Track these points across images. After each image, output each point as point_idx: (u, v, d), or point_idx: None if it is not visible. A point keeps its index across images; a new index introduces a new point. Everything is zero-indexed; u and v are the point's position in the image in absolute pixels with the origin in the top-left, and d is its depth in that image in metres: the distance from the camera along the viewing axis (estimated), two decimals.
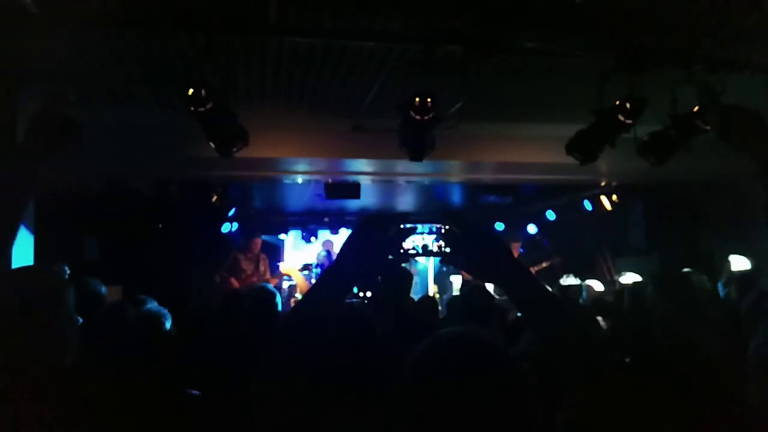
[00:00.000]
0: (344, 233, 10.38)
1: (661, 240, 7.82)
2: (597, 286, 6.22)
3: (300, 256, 10.35)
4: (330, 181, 7.34)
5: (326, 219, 10.59)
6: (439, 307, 9.31)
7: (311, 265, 9.29)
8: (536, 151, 6.26)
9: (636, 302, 4.74)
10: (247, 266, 8.36)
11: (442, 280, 10.04)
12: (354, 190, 7.43)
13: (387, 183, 8.02)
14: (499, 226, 10.46)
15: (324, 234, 10.62)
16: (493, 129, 6.07)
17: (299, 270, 9.05)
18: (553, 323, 1.27)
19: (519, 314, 3.97)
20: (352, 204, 9.01)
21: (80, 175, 6.53)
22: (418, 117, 4.09)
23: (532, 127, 6.05)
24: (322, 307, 1.31)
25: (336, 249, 9.49)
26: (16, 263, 4.31)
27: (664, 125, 4.63)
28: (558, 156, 5.02)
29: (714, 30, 3.90)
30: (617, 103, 4.29)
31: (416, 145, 4.64)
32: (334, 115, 5.59)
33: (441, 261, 1.47)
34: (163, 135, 5.46)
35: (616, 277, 7.04)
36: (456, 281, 9.20)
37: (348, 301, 3.03)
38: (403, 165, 6.36)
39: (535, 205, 9.74)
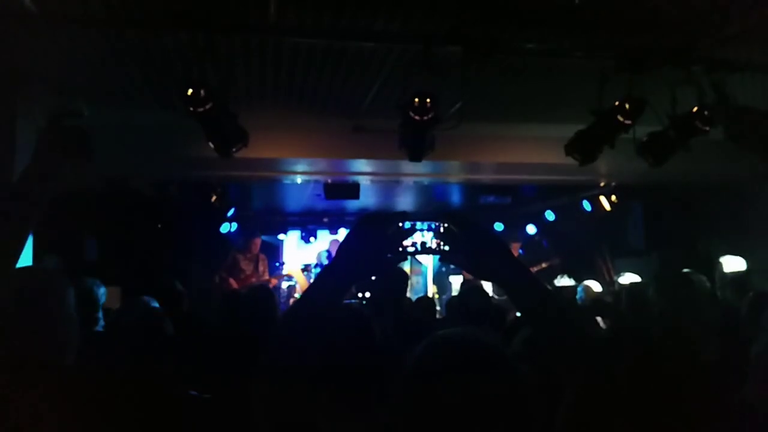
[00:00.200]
0: (343, 234, 10.37)
1: (661, 240, 7.82)
2: (596, 286, 6.22)
3: (303, 256, 10.34)
4: (329, 181, 7.34)
5: (325, 219, 10.59)
6: (438, 308, 9.35)
7: (311, 265, 9.30)
8: (535, 152, 6.26)
9: (634, 302, 4.74)
10: (246, 266, 8.36)
11: (441, 280, 10.04)
12: (353, 190, 7.42)
13: (386, 183, 8.02)
14: (499, 226, 10.45)
15: (323, 234, 10.62)
16: (492, 129, 6.07)
17: (300, 270, 9.06)
18: (553, 322, 1.27)
19: (518, 314, 3.98)
20: (352, 204, 9.00)
21: (80, 175, 6.52)
22: (417, 117, 4.09)
23: (532, 128, 6.05)
24: (319, 307, 1.30)
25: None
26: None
27: (663, 126, 4.63)
28: (557, 156, 5.02)
29: (713, 30, 3.90)
30: (616, 103, 4.29)
31: (416, 145, 4.64)
32: (333, 116, 5.59)
33: (440, 259, 1.47)
34: (162, 135, 5.46)
35: (615, 278, 7.04)
36: (455, 282, 9.21)
37: (347, 302, 3.03)
38: (402, 165, 6.37)
39: (534, 206, 9.74)
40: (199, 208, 8.23)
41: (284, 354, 1.26)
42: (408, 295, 9.02)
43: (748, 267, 5.31)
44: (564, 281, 7.44)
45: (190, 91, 3.83)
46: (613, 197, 8.05)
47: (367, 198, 8.49)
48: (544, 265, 8.87)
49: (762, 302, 2.82)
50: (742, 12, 3.67)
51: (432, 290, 10.14)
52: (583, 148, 4.79)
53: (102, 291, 3.87)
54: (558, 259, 9.00)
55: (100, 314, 3.81)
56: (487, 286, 4.62)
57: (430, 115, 4.09)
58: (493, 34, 3.91)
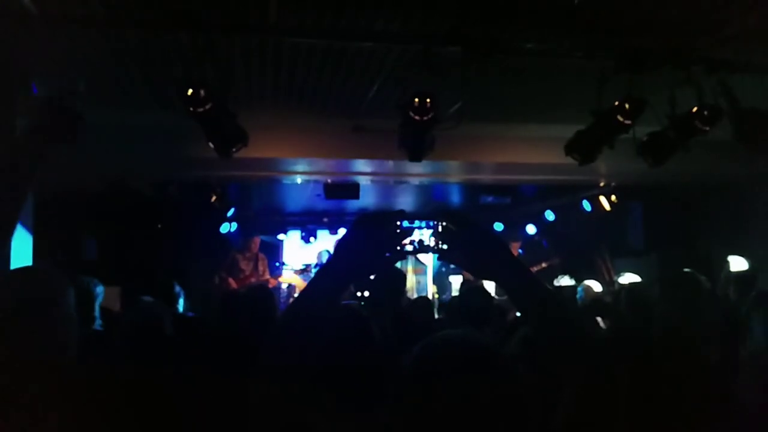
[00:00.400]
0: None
1: (660, 240, 7.82)
2: (596, 286, 6.22)
3: (302, 256, 10.35)
4: (329, 181, 7.34)
5: (325, 219, 10.60)
6: (436, 308, 9.35)
7: (311, 265, 9.31)
8: (535, 152, 6.26)
9: (634, 302, 4.74)
10: (246, 266, 8.36)
11: (441, 280, 10.04)
12: (353, 190, 7.43)
13: (386, 183, 8.02)
14: (498, 226, 10.45)
15: (323, 234, 10.63)
16: (492, 129, 6.07)
17: (299, 270, 9.06)
18: (553, 322, 1.27)
19: (518, 313, 3.98)
20: (352, 204, 9.01)
21: (80, 175, 6.53)
22: (417, 117, 4.09)
23: (532, 128, 6.05)
24: (317, 307, 1.30)
25: None
26: (15, 263, 4.33)
27: (662, 126, 4.63)
28: (557, 156, 5.02)
29: (713, 30, 3.90)
30: (616, 103, 4.29)
31: (416, 145, 4.64)
32: (333, 116, 5.59)
33: (438, 258, 1.47)
34: (162, 135, 5.46)
35: (615, 278, 7.04)
36: (455, 281, 9.20)
37: (345, 302, 3.03)
38: (402, 165, 6.37)
39: (534, 206, 9.74)
40: (198, 208, 8.24)
41: (282, 354, 1.26)
42: (415, 295, 9.07)
43: (751, 266, 5.31)
44: (564, 281, 7.44)
45: (190, 91, 3.83)
46: (613, 197, 8.06)
47: (367, 198, 8.50)
48: (543, 265, 8.87)
49: (762, 301, 2.82)
50: (742, 12, 3.67)
51: (432, 290, 10.14)
52: (582, 148, 4.79)
53: (99, 290, 3.87)
54: (558, 259, 9.00)
55: (97, 313, 3.81)
56: (489, 286, 4.61)
57: (429, 115, 4.09)
58: (492, 34, 3.91)
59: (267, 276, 8.53)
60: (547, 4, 3.59)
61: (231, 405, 2.02)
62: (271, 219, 10.57)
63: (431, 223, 1.38)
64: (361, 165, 6.63)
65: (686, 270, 5.10)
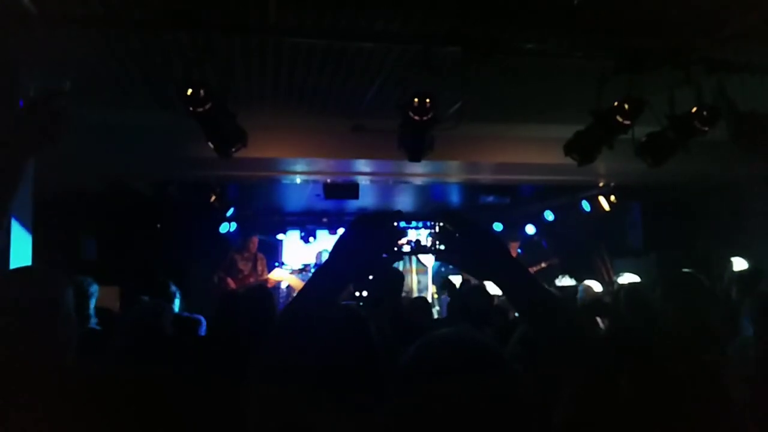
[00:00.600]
0: None
1: (659, 241, 7.83)
2: (595, 286, 6.22)
3: (304, 256, 10.35)
4: (329, 181, 7.34)
5: (325, 219, 10.60)
6: (436, 308, 9.34)
7: (310, 265, 9.30)
8: (535, 152, 6.27)
9: (633, 302, 4.74)
10: (244, 266, 8.35)
11: (440, 279, 10.04)
12: (352, 190, 7.43)
13: (386, 183, 8.02)
14: (498, 226, 10.45)
15: (323, 234, 10.63)
16: (492, 130, 6.08)
17: (297, 270, 9.05)
18: (551, 322, 1.26)
19: (516, 314, 3.98)
20: (351, 204, 9.01)
21: (79, 175, 6.53)
22: (417, 117, 4.10)
23: (531, 128, 6.06)
24: (315, 307, 1.30)
25: None
26: (14, 263, 4.33)
27: (662, 126, 4.64)
28: (556, 157, 5.02)
29: (712, 31, 3.91)
30: (615, 104, 4.30)
31: (415, 145, 4.64)
32: (333, 116, 5.59)
33: (436, 258, 1.47)
34: (162, 135, 5.46)
35: (614, 278, 7.04)
36: (455, 282, 9.19)
37: (344, 303, 3.03)
38: (402, 165, 6.38)
39: (533, 206, 9.75)
40: (198, 208, 8.23)
41: (280, 354, 1.26)
42: (420, 295, 9.07)
43: (752, 266, 5.31)
44: (565, 281, 7.44)
45: (189, 91, 3.83)
46: (612, 197, 8.07)
47: (367, 198, 8.50)
48: (543, 265, 8.87)
49: (761, 302, 2.82)
50: (741, 12, 3.68)
51: (432, 290, 10.14)
52: (582, 149, 4.80)
53: (94, 289, 3.88)
54: (557, 259, 9.00)
55: (92, 312, 3.82)
56: (490, 286, 4.61)
57: (429, 116, 4.10)
58: (492, 34, 3.91)
59: (266, 276, 8.52)
60: (547, 4, 3.60)
61: (229, 405, 2.02)
62: (271, 219, 10.57)
63: (429, 224, 1.38)
64: (361, 165, 6.63)
65: (686, 270, 5.11)
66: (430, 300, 9.47)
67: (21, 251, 4.48)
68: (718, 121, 4.40)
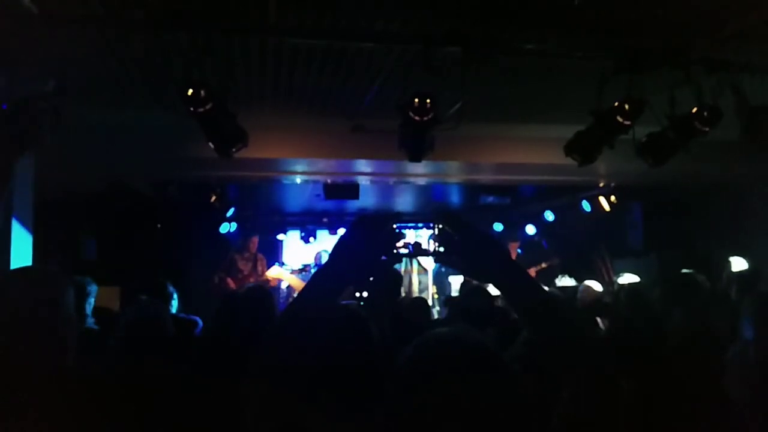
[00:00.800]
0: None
1: (660, 241, 7.83)
2: (595, 286, 6.22)
3: (304, 256, 10.35)
4: (329, 181, 7.34)
5: (325, 219, 10.60)
6: (436, 308, 9.34)
7: (309, 265, 9.30)
8: (535, 152, 6.27)
9: (633, 303, 4.73)
10: (244, 266, 8.35)
11: (440, 280, 10.04)
12: (353, 190, 7.43)
13: (386, 184, 8.02)
14: (498, 226, 10.45)
15: (323, 234, 10.63)
16: (492, 130, 6.08)
17: (297, 270, 9.05)
18: (550, 324, 1.26)
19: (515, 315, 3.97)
20: (351, 204, 9.01)
21: (79, 176, 6.53)
22: (417, 118, 4.09)
23: (531, 128, 6.06)
24: (314, 308, 1.30)
25: None
26: (15, 264, 4.33)
27: (662, 126, 4.64)
28: (557, 157, 5.02)
29: (712, 31, 3.90)
30: (616, 104, 4.30)
31: (415, 145, 4.64)
32: (333, 116, 5.59)
33: (435, 261, 1.47)
34: (162, 135, 5.46)
35: (614, 278, 7.04)
36: (455, 282, 9.20)
37: (344, 302, 3.02)
38: (402, 166, 6.37)
39: (533, 206, 9.74)
40: (198, 209, 8.23)
41: (280, 354, 1.26)
42: (420, 295, 9.06)
43: (751, 266, 5.31)
44: (565, 281, 7.44)
45: (190, 91, 3.83)
46: (613, 198, 8.07)
47: (367, 198, 8.50)
48: (543, 265, 8.87)
49: (761, 303, 2.82)
50: (741, 12, 3.68)
51: (432, 290, 10.14)
52: (582, 149, 4.80)
53: (92, 289, 3.88)
54: (557, 259, 9.00)
55: (89, 311, 3.82)
56: (492, 287, 4.61)
57: (429, 116, 4.10)
58: (492, 34, 3.91)
59: (266, 276, 8.52)
60: (547, 4, 3.60)
61: (229, 405, 2.02)
62: (271, 219, 10.57)
63: (428, 226, 1.38)
64: (361, 165, 6.63)
65: (686, 271, 5.11)
66: (430, 300, 9.47)
67: (21, 251, 4.49)
68: (719, 121, 4.40)
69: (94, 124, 5.26)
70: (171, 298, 4.58)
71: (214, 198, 7.60)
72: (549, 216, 9.55)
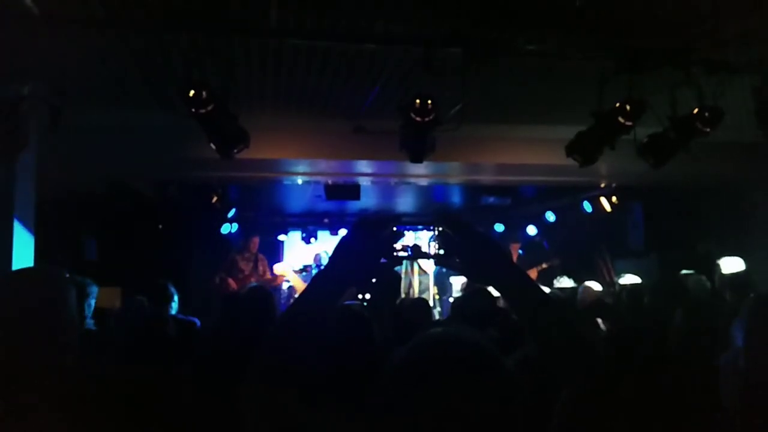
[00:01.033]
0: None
1: (661, 241, 7.82)
2: (595, 287, 6.22)
3: (305, 257, 10.35)
4: (330, 182, 7.34)
5: (326, 220, 10.60)
6: (437, 309, 9.34)
7: (310, 266, 9.30)
8: (536, 153, 6.27)
9: (634, 304, 4.74)
10: (245, 267, 8.35)
11: (441, 281, 10.04)
12: (354, 191, 7.43)
13: (387, 184, 8.02)
14: (499, 227, 10.45)
15: (324, 235, 10.63)
16: (493, 131, 6.08)
17: (296, 271, 9.05)
18: (550, 325, 1.26)
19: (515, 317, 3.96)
20: (352, 205, 9.01)
21: (81, 176, 6.54)
22: (418, 119, 4.10)
23: (532, 129, 6.06)
24: (316, 310, 1.30)
25: None
26: (16, 264, 4.34)
27: (663, 127, 4.64)
28: (558, 158, 5.02)
29: (713, 32, 3.90)
30: (617, 105, 4.30)
31: (416, 146, 4.65)
32: (334, 117, 5.60)
33: (436, 263, 1.47)
34: (163, 136, 5.47)
35: (615, 279, 7.04)
36: (456, 283, 9.20)
37: (348, 303, 3.02)
38: (403, 166, 6.37)
39: (534, 207, 9.74)
40: (199, 209, 8.23)
41: (281, 356, 1.26)
42: (421, 296, 9.07)
43: (747, 268, 5.30)
44: (564, 281, 7.42)
45: (191, 92, 3.84)
46: (614, 198, 8.06)
47: (368, 199, 8.50)
48: (544, 265, 8.87)
49: (760, 305, 2.82)
50: (742, 14, 3.68)
51: (433, 291, 10.14)
52: (583, 150, 4.80)
53: (92, 290, 3.88)
54: (558, 259, 9.00)
55: (88, 313, 3.82)
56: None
57: (430, 117, 4.10)
58: (493, 35, 3.91)
59: (268, 276, 8.52)
60: (547, 5, 3.60)
61: (229, 406, 2.02)
62: (272, 220, 10.57)
63: (429, 228, 1.38)
64: (362, 166, 6.63)
65: (684, 271, 5.11)
66: (431, 301, 9.47)
67: (23, 251, 4.49)
68: (720, 121, 4.40)
69: (95, 124, 5.27)
70: (171, 299, 4.59)
71: (215, 198, 7.60)
72: (550, 217, 9.54)
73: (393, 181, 7.64)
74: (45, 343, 1.70)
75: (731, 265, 5.31)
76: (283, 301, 8.69)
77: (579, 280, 6.79)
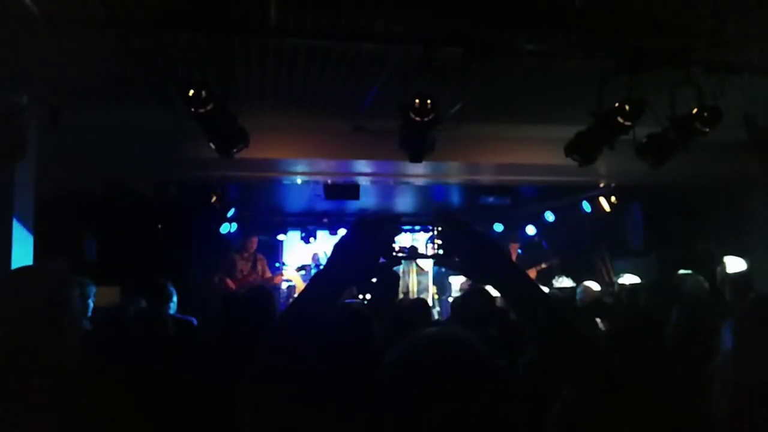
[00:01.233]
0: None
1: (660, 241, 7.83)
2: (595, 287, 6.23)
3: (304, 257, 10.37)
4: (329, 182, 7.34)
5: (325, 220, 10.61)
6: (437, 309, 9.34)
7: (309, 266, 9.31)
8: (535, 153, 6.27)
9: (633, 304, 4.74)
10: (244, 267, 8.35)
11: (441, 280, 10.05)
12: (353, 191, 7.43)
13: (386, 184, 8.02)
14: (498, 227, 10.45)
15: (323, 235, 10.63)
16: (492, 130, 6.08)
17: (296, 269, 9.07)
18: (549, 325, 1.26)
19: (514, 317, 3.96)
20: (352, 205, 9.01)
21: (80, 176, 6.54)
22: (418, 118, 4.10)
23: (532, 129, 6.06)
24: (315, 309, 1.30)
25: None
26: (15, 263, 4.33)
27: (662, 127, 4.64)
28: (557, 157, 5.02)
29: (713, 32, 3.91)
30: (616, 104, 4.30)
31: (416, 146, 4.65)
32: (334, 117, 5.60)
33: (435, 263, 1.47)
34: (163, 136, 5.47)
35: (614, 279, 7.04)
36: (455, 282, 9.21)
37: (348, 301, 3.02)
38: (402, 166, 6.38)
39: (533, 207, 9.74)
40: (199, 209, 8.23)
41: (280, 355, 1.26)
42: (420, 296, 9.07)
43: (748, 267, 5.31)
44: (563, 281, 7.43)
45: (191, 92, 3.84)
46: (613, 198, 8.07)
47: (367, 199, 8.50)
48: (543, 265, 8.87)
49: (759, 305, 2.82)
50: (742, 14, 3.68)
51: (432, 290, 10.15)
52: (582, 149, 4.80)
53: (91, 290, 3.89)
54: (557, 259, 9.00)
55: (87, 313, 3.82)
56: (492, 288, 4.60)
57: (430, 116, 4.10)
58: (492, 36, 3.91)
59: (268, 274, 8.53)
60: (547, 5, 3.60)
61: (228, 406, 2.02)
62: (272, 219, 10.58)
63: (428, 228, 1.38)
64: (362, 166, 6.64)
65: (682, 271, 5.11)
66: (430, 301, 9.47)
67: (22, 251, 4.49)
68: (719, 122, 4.41)
69: (95, 124, 5.27)
70: (170, 298, 4.59)
71: (214, 198, 7.60)
72: (549, 216, 9.55)
73: (392, 180, 7.64)
74: (47, 341, 1.70)
75: (736, 264, 5.31)
76: (282, 301, 8.69)
77: (578, 280, 6.80)
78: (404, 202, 10.13)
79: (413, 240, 1.73)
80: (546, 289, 4.79)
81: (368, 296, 6.19)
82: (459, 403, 1.05)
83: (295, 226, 10.81)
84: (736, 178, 6.89)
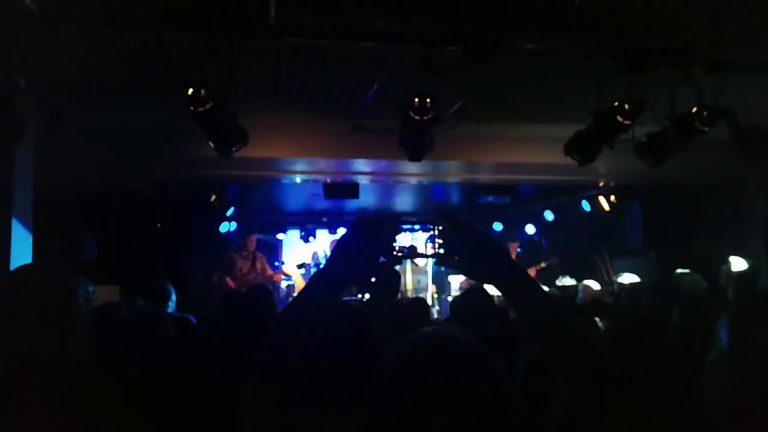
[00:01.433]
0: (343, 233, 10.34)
1: (659, 240, 7.84)
2: (594, 286, 6.23)
3: (303, 256, 10.36)
4: (329, 180, 7.34)
5: (325, 219, 10.60)
6: (435, 308, 9.34)
7: (309, 264, 9.30)
8: (535, 152, 6.27)
9: (633, 303, 4.74)
10: (243, 265, 8.35)
11: (440, 279, 10.05)
12: (352, 190, 7.43)
13: (386, 183, 8.03)
14: (498, 226, 10.45)
15: (322, 234, 10.63)
16: (492, 130, 6.08)
17: (296, 267, 9.07)
18: (550, 325, 1.26)
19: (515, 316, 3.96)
20: (351, 204, 9.01)
21: (79, 175, 6.53)
22: (417, 117, 4.10)
23: (531, 128, 6.06)
24: (314, 308, 1.30)
25: None
26: (15, 263, 4.33)
27: (662, 126, 4.64)
28: (556, 157, 5.03)
29: (712, 32, 3.91)
30: (616, 104, 4.30)
31: (415, 145, 4.65)
32: (333, 116, 5.60)
33: (435, 263, 1.47)
34: (162, 135, 5.47)
35: (614, 278, 7.05)
36: (455, 281, 9.21)
37: (347, 299, 3.02)
38: (402, 165, 6.38)
39: (533, 206, 9.75)
40: (198, 208, 8.23)
41: (279, 354, 1.26)
42: (418, 295, 9.07)
43: (750, 266, 5.31)
44: (566, 281, 7.44)
45: (190, 91, 3.84)
46: (612, 197, 8.07)
47: (367, 198, 8.50)
48: (543, 264, 8.87)
49: (759, 304, 2.82)
50: (741, 14, 3.68)
51: (431, 290, 10.15)
52: (582, 149, 4.80)
53: (89, 289, 3.88)
54: (557, 259, 9.01)
55: (95, 314, 3.81)
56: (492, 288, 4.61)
57: (429, 115, 4.10)
58: (492, 35, 3.91)
59: (268, 273, 8.52)
60: (547, 5, 3.60)
61: (228, 405, 2.02)
62: (271, 218, 10.56)
63: (427, 227, 1.38)
64: (361, 165, 6.64)
65: (680, 270, 5.11)
66: (429, 300, 9.48)
67: (21, 251, 4.49)
68: (718, 121, 4.41)
69: (94, 124, 5.27)
70: (169, 297, 4.59)
71: (213, 197, 7.60)
72: (549, 215, 9.55)
73: (392, 179, 7.65)
74: (55, 338, 1.70)
75: (741, 263, 5.32)
76: (282, 300, 8.68)
77: (578, 279, 6.80)
78: (404, 201, 10.13)
79: (412, 239, 1.73)
80: (546, 289, 4.80)
81: (367, 295, 6.18)
82: (458, 403, 1.05)
83: (294, 225, 10.80)
84: (735, 177, 6.89)
